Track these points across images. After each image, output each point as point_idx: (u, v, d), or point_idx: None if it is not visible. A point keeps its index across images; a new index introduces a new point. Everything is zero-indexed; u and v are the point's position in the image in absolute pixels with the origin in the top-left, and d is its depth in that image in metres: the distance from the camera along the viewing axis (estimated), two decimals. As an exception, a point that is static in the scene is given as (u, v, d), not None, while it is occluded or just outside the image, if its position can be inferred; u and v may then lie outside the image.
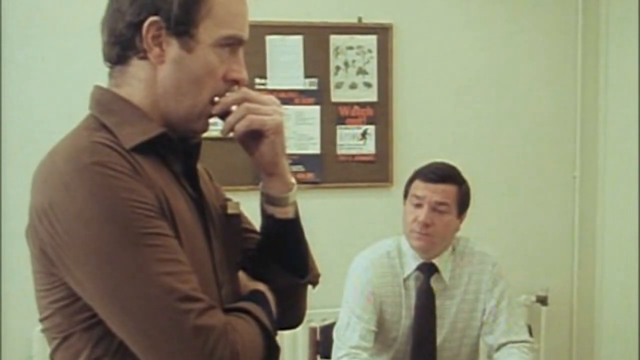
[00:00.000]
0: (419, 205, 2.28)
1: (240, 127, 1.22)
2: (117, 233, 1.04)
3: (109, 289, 1.05)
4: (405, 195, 2.36)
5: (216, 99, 1.21)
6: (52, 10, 3.15)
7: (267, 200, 1.31)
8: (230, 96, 1.22)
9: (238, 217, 1.34)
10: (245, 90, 1.24)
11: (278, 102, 1.27)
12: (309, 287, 1.37)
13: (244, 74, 1.22)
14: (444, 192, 2.28)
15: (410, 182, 2.35)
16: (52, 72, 3.15)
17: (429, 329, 2.31)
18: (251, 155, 1.27)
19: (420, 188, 2.29)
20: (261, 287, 1.28)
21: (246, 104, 1.22)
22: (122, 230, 1.04)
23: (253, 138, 1.24)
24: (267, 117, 1.23)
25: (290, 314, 1.34)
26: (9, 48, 3.11)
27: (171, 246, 1.08)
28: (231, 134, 1.24)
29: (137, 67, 1.18)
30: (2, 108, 3.11)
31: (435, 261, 2.33)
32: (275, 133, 1.24)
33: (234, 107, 1.23)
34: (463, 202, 2.33)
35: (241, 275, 1.31)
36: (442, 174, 2.30)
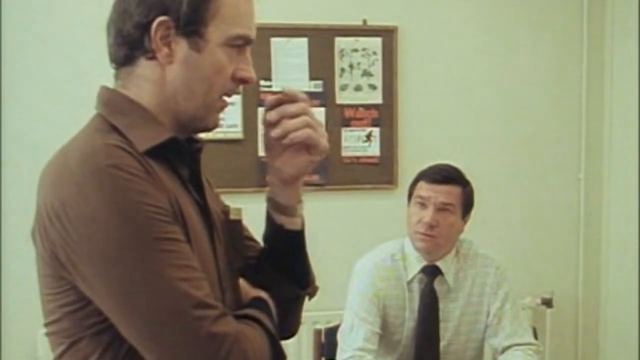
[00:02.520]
0: (423, 206, 2.28)
1: (296, 137, 1.23)
2: (131, 237, 1.03)
3: (122, 294, 1.04)
4: (409, 197, 2.36)
5: (225, 98, 1.21)
6: (53, 10, 3.16)
7: (276, 207, 1.31)
8: (292, 107, 1.24)
9: (239, 224, 1.34)
10: (305, 105, 1.25)
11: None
12: (306, 298, 1.38)
13: (252, 73, 1.22)
14: (449, 192, 2.28)
15: (415, 183, 2.35)
16: (52, 73, 3.16)
17: (433, 331, 2.31)
18: (274, 161, 1.28)
19: (424, 189, 2.29)
20: (263, 294, 1.28)
21: (306, 117, 1.23)
22: (137, 234, 1.04)
23: (293, 149, 1.25)
24: (321, 138, 1.25)
25: (288, 323, 1.33)
26: (9, 48, 3.12)
27: (184, 252, 1.08)
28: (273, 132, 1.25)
29: (145, 68, 1.17)
30: (2, 110, 3.13)
31: (438, 263, 2.33)
32: (319, 154, 1.26)
33: (293, 108, 1.23)
34: (467, 203, 2.33)
35: (242, 282, 1.31)
36: (447, 175, 2.30)
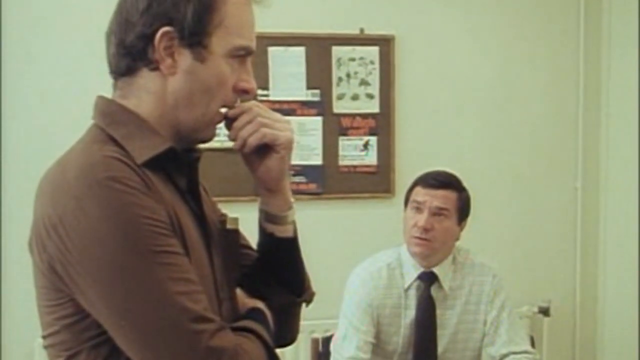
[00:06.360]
0: (419, 211, 2.29)
1: (254, 140, 1.22)
2: (129, 250, 1.03)
3: (121, 308, 1.03)
4: (406, 203, 2.36)
5: (223, 110, 1.21)
6: (55, 17, 3.17)
7: (267, 218, 1.31)
8: (242, 105, 1.23)
9: (236, 233, 1.33)
10: (256, 102, 1.25)
11: (288, 119, 1.29)
12: (303, 305, 1.38)
13: (253, 84, 1.22)
14: (444, 197, 2.29)
15: (411, 188, 2.36)
16: (52, 82, 3.16)
17: (430, 337, 2.31)
18: (255, 171, 1.27)
19: (420, 194, 2.31)
20: (260, 305, 1.28)
21: (259, 119, 1.23)
22: (135, 247, 1.03)
23: (261, 153, 1.25)
24: (280, 132, 1.24)
25: (285, 332, 1.34)
26: (9, 54, 3.12)
27: (183, 265, 1.07)
28: (233, 145, 1.25)
29: (146, 79, 1.16)
30: (2, 116, 3.13)
31: (435, 270, 2.33)
32: (285, 148, 1.25)
33: (244, 118, 1.23)
34: (463, 210, 2.33)
35: (239, 292, 1.31)
36: (443, 180, 2.31)
